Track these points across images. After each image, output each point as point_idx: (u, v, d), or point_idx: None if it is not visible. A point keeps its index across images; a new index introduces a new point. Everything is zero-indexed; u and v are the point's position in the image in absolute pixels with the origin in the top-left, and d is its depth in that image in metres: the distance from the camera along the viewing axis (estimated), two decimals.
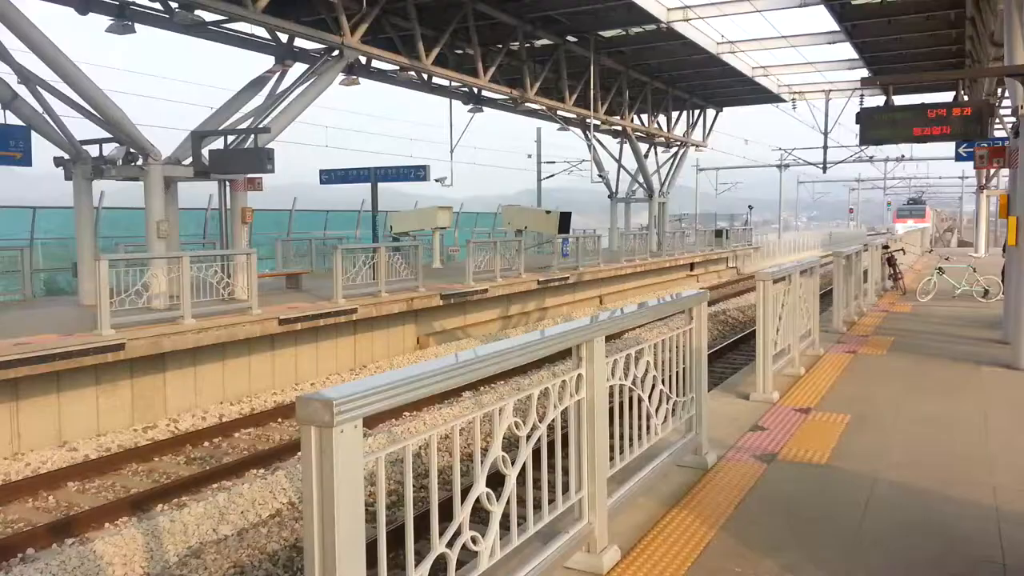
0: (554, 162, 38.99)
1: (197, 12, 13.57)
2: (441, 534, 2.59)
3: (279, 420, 11.27)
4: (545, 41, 21.52)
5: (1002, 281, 12.69)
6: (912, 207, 62.27)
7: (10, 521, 7.75)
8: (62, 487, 8.62)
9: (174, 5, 13.62)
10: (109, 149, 13.70)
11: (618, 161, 31.13)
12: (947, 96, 25.10)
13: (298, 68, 16.07)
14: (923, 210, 60.94)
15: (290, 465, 8.87)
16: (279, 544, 7.08)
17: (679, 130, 32.39)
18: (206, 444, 10.23)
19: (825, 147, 32.72)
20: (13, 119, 12.85)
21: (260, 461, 9.26)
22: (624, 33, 21.94)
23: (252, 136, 13.91)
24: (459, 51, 20.25)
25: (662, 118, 31.13)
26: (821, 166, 35.39)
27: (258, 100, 15.63)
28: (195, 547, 6.97)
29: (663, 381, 4.39)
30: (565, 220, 23.41)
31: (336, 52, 15.54)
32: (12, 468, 8.96)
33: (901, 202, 67.09)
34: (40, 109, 13.10)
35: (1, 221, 18.00)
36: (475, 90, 22.43)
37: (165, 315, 11.55)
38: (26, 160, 12.85)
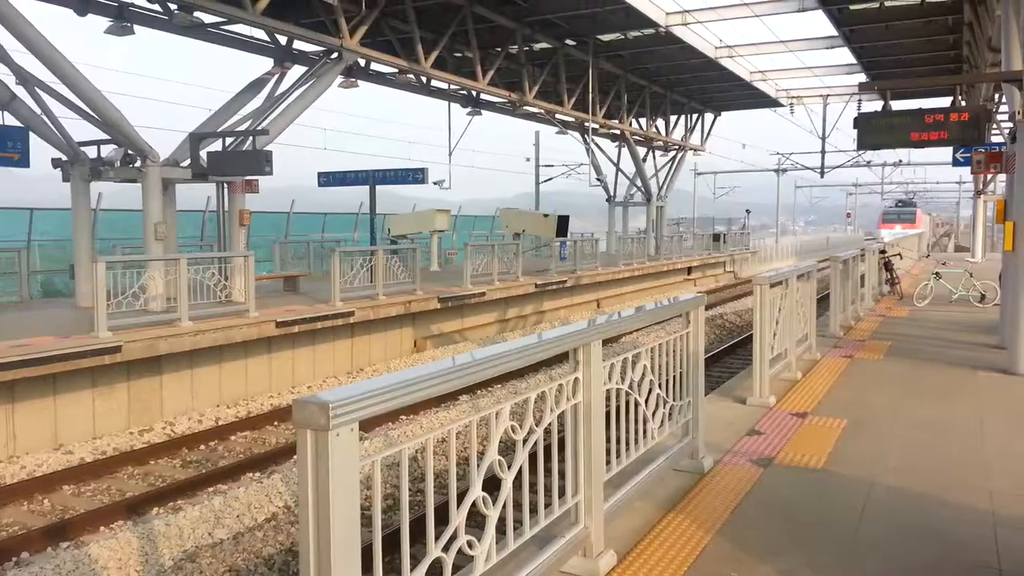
0: (552, 165, 39.09)
1: (196, 14, 13.58)
2: (437, 538, 2.59)
3: (275, 423, 11.26)
4: (544, 44, 21.57)
5: (999, 286, 12.71)
6: (900, 210, 55.10)
7: (5, 525, 7.73)
8: (57, 490, 8.59)
9: (173, 7, 13.64)
10: (107, 151, 13.69)
11: (616, 165, 31.18)
12: (945, 101, 25.16)
13: (297, 70, 16.10)
14: (913, 214, 53.74)
15: (286, 469, 8.85)
16: (275, 548, 7.06)
17: (677, 134, 32.45)
18: (202, 447, 10.21)
19: (823, 151, 32.79)
20: (11, 120, 12.85)
21: (256, 464, 9.25)
22: (623, 37, 21.99)
23: (250, 138, 13.91)
24: (458, 54, 20.28)
25: (660, 122, 31.19)
26: (819, 170, 35.47)
27: (256, 102, 15.64)
28: (190, 551, 6.95)
29: (660, 385, 4.39)
30: (563, 223, 23.43)
31: (335, 54, 15.55)
32: (7, 471, 8.94)
33: (889, 205, 60.40)
34: (38, 110, 13.09)
35: None
36: (474, 93, 22.46)
37: (162, 317, 11.53)
38: (24, 161, 12.86)
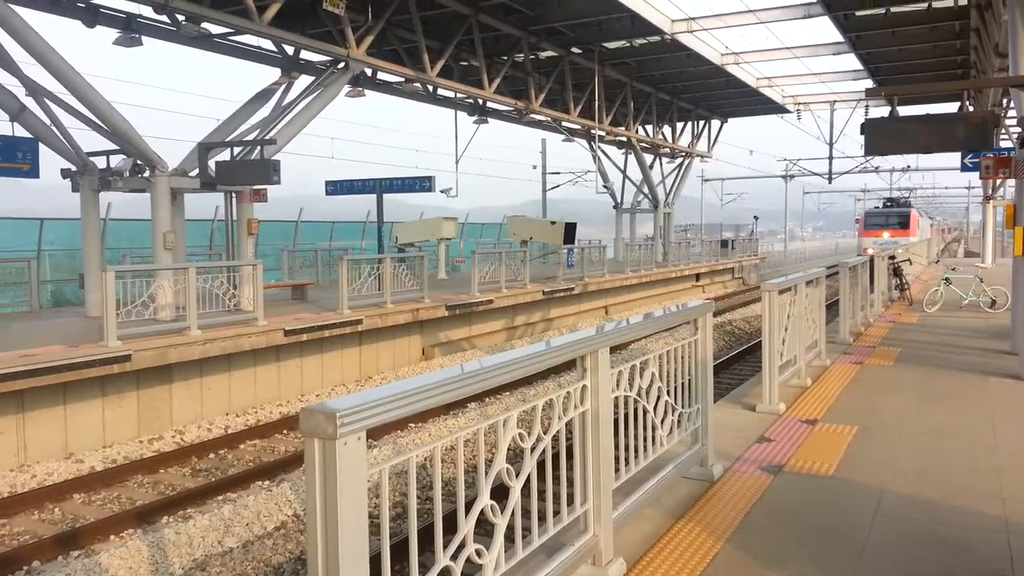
0: (559, 173, 39.09)
1: (203, 25, 13.68)
2: (445, 547, 2.58)
3: (284, 432, 11.27)
4: (550, 52, 21.62)
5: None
6: (889, 212, 40.10)
7: (16, 533, 7.75)
8: (68, 499, 8.62)
9: (181, 18, 13.74)
10: (116, 161, 13.79)
11: (623, 172, 31.20)
12: (952, 106, 25.06)
13: (304, 80, 16.17)
14: (906, 216, 39.20)
15: (295, 477, 8.86)
16: (284, 557, 7.06)
17: (684, 141, 32.45)
18: (211, 456, 10.23)
19: (831, 157, 32.77)
20: (21, 131, 12.96)
21: (265, 473, 9.26)
22: (628, 44, 22.04)
23: (258, 147, 13.98)
24: (464, 63, 20.35)
25: (667, 129, 31.21)
26: (827, 176, 35.40)
27: (264, 112, 15.73)
28: (200, 559, 6.96)
29: (668, 392, 4.38)
30: (570, 231, 23.43)
31: (342, 64, 15.63)
32: (18, 480, 8.97)
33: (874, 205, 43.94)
34: (48, 121, 13.20)
35: (8, 232, 18.12)
36: (480, 101, 22.52)
37: (171, 326, 11.57)
38: (34, 172, 12.95)
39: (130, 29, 13.81)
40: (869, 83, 25.27)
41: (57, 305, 17.40)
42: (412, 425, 11.04)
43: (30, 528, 7.86)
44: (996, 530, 4.09)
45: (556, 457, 3.35)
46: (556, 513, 3.28)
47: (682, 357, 4.56)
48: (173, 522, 7.72)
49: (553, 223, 24.10)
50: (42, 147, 13.09)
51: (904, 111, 9.52)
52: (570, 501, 3.39)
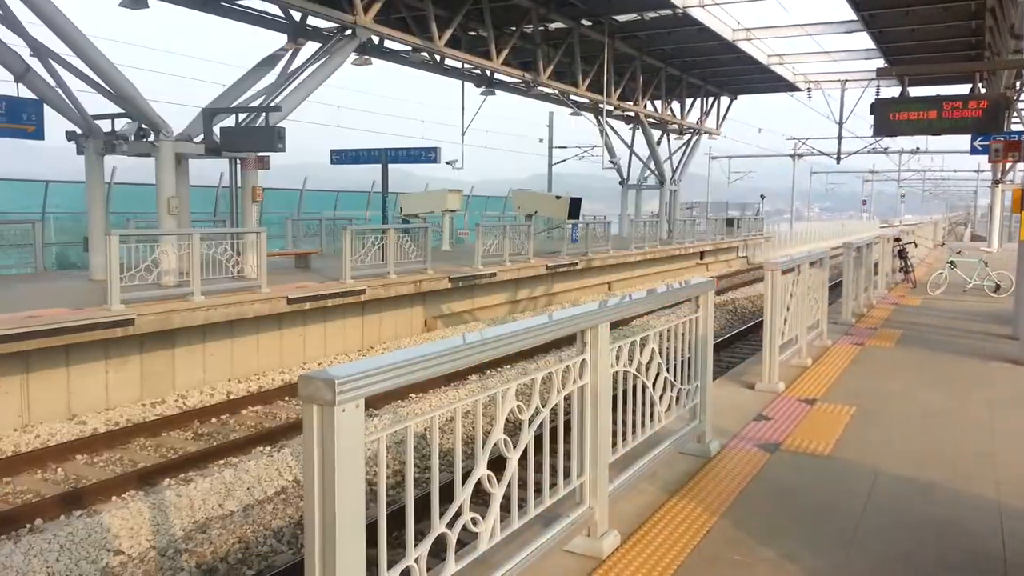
0: (566, 147, 38.82)
1: None
2: (441, 515, 2.61)
3: (286, 398, 11.34)
4: (559, 24, 21.40)
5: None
6: None
7: (19, 492, 7.84)
8: (70, 460, 8.70)
9: None
10: (121, 124, 13.72)
11: (630, 147, 31.00)
12: (965, 88, 24.80)
13: (310, 47, 16.05)
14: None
15: (296, 443, 8.93)
16: (284, 521, 7.14)
17: (692, 117, 32.21)
18: (213, 420, 10.30)
19: (840, 137, 32.46)
20: (26, 92, 12.89)
21: (266, 438, 9.33)
22: (639, 18, 21.80)
23: (263, 114, 13.91)
24: (472, 33, 20.16)
25: (675, 104, 30.96)
26: (835, 156, 35.12)
27: (270, 78, 15.61)
28: (201, 522, 7.04)
29: (668, 369, 4.39)
30: (575, 205, 23.34)
31: (349, 31, 15.49)
32: (21, 440, 9.06)
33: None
34: (53, 83, 13.11)
35: (13, 194, 18.13)
36: (488, 73, 22.33)
37: (175, 291, 11.61)
38: (38, 133, 12.91)
39: None
40: (881, 62, 24.98)
41: (62, 268, 17.45)
42: (412, 395, 11.09)
43: (33, 487, 7.95)
44: (989, 512, 4.13)
45: (554, 430, 3.38)
46: (552, 485, 3.31)
47: (682, 334, 4.57)
48: (174, 484, 7.79)
49: (558, 198, 24.00)
50: (48, 109, 13.03)
51: (915, 92, 9.45)
52: (567, 474, 3.42)
